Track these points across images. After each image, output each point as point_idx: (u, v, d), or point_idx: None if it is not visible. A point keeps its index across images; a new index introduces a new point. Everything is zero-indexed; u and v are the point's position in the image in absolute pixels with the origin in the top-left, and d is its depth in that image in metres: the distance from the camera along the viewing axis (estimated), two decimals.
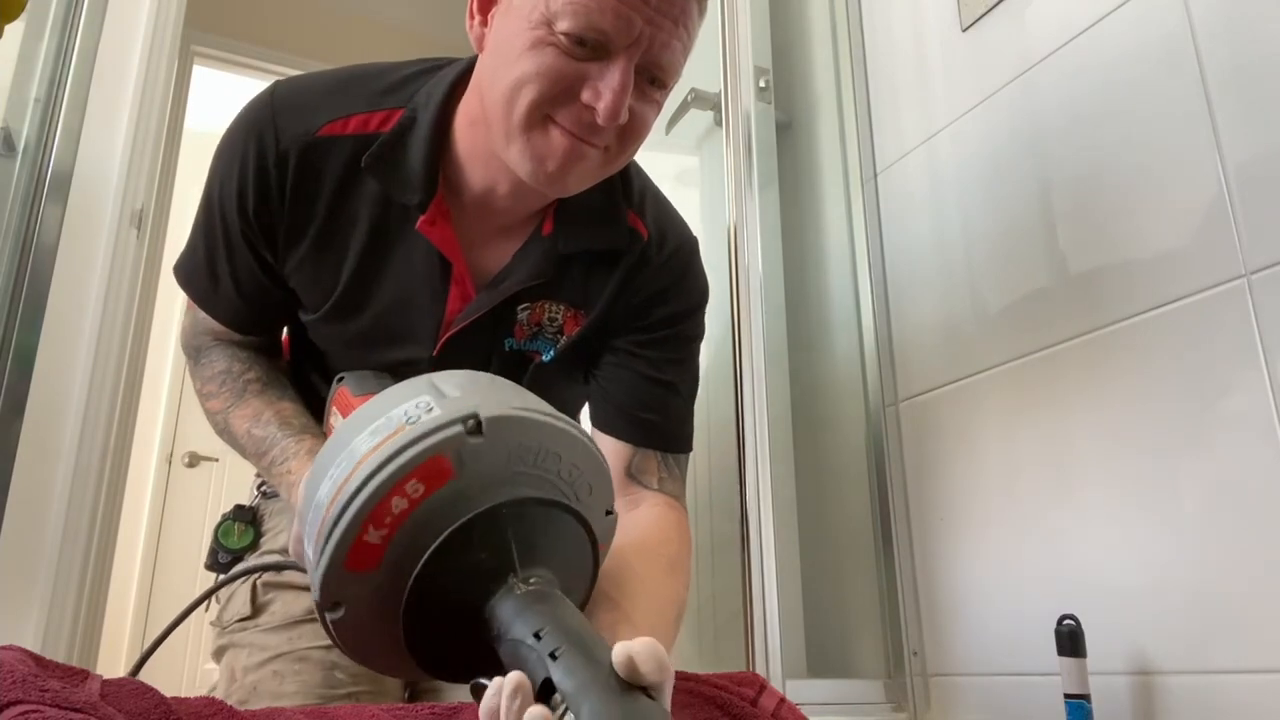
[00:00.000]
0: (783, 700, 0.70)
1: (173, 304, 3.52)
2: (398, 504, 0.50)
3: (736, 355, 1.36)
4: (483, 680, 0.49)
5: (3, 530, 1.05)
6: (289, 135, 0.80)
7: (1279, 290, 0.93)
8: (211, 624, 0.95)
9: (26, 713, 0.43)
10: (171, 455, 3.46)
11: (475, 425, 0.51)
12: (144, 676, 0.60)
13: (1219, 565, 0.96)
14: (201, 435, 3.50)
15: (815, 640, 1.40)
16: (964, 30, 1.38)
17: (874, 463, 1.44)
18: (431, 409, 0.52)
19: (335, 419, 0.80)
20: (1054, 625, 1.03)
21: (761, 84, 1.57)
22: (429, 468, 0.50)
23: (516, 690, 0.44)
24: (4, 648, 0.52)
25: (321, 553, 0.51)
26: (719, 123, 1.55)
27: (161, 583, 3.34)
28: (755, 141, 1.49)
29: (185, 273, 0.90)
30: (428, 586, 0.50)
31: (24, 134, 1.18)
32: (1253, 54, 0.98)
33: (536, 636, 0.47)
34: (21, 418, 1.08)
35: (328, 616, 0.52)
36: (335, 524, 0.50)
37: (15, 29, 1.19)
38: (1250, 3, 0.98)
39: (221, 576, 0.92)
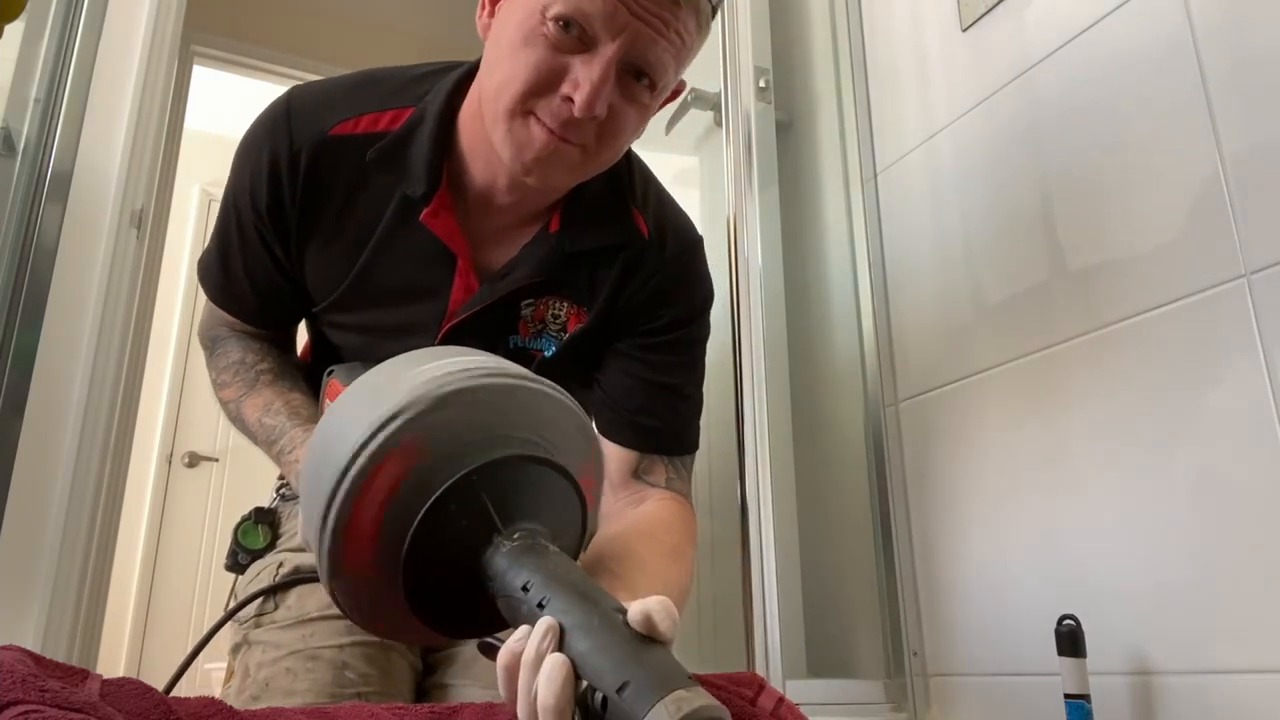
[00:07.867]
0: (781, 699, 0.70)
1: (173, 304, 3.53)
2: (380, 486, 0.52)
3: (736, 355, 1.36)
4: (491, 640, 0.51)
5: (3, 530, 1.05)
6: (303, 135, 0.82)
7: (1279, 290, 0.93)
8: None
9: (26, 713, 0.43)
10: (171, 455, 3.46)
11: (437, 400, 0.53)
12: (144, 676, 0.60)
13: (1219, 566, 0.96)
14: (201, 435, 3.50)
15: (815, 640, 1.40)
16: (964, 30, 1.37)
17: (874, 462, 1.43)
18: (398, 391, 0.54)
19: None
20: (1054, 625, 1.02)
21: (761, 84, 1.57)
22: (400, 451, 0.52)
23: (548, 632, 0.45)
24: (4, 648, 0.52)
25: (321, 533, 0.53)
26: (719, 123, 1.55)
27: (161, 583, 3.34)
28: (755, 141, 1.49)
29: (203, 268, 0.93)
30: (420, 558, 0.52)
31: (24, 134, 1.18)
32: (1252, 54, 0.98)
33: (524, 589, 0.48)
34: (21, 418, 1.09)
35: (333, 586, 0.55)
36: (328, 509, 0.52)
37: (15, 29, 1.19)
38: (1250, 3, 0.98)
39: (249, 589, 0.94)
